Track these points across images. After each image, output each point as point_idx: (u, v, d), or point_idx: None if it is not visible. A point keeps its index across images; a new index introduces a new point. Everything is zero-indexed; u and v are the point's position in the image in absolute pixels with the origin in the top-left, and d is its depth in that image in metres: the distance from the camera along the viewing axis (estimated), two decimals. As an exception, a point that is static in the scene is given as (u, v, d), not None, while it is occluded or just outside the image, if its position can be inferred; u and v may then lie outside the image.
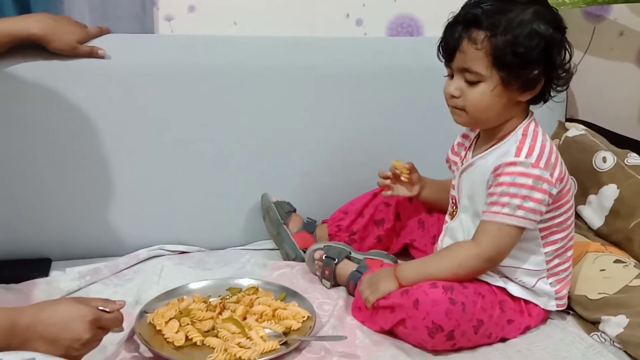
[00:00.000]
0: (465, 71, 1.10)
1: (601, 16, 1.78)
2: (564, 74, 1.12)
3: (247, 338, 1.08)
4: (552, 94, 1.14)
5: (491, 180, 1.12)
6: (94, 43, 1.34)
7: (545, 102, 1.15)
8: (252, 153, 1.46)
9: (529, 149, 1.10)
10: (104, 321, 0.98)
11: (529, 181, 1.08)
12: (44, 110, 1.32)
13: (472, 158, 1.19)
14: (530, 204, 1.08)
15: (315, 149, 1.49)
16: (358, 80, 1.50)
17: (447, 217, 1.26)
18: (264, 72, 1.45)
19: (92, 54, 1.32)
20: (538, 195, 1.09)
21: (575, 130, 1.56)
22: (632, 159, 1.42)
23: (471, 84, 1.10)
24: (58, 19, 1.29)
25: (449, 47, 1.11)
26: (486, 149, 1.17)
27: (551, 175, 1.10)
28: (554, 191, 1.10)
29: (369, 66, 1.52)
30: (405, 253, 1.40)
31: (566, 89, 1.14)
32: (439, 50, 1.13)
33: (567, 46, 1.11)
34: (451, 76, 1.13)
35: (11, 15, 1.33)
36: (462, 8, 1.11)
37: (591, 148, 1.48)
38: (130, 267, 1.36)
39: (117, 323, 1.01)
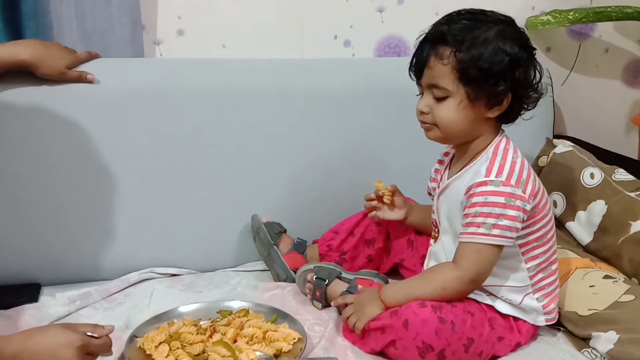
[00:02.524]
0: (433, 87, 1.12)
1: (586, 34, 1.80)
2: (533, 93, 1.14)
3: (238, 361, 1.08)
4: (522, 112, 1.16)
5: (465, 201, 1.13)
6: (83, 68, 1.35)
7: (513, 120, 1.16)
8: (242, 174, 1.46)
9: (498, 167, 1.12)
10: (93, 347, 0.98)
11: (501, 199, 1.09)
12: (31, 136, 1.32)
13: (447, 180, 1.21)
14: (505, 222, 1.09)
15: (305, 170, 1.50)
16: (347, 100, 1.52)
17: (431, 241, 1.27)
18: (252, 94, 1.45)
19: (81, 79, 1.33)
20: (512, 212, 1.09)
21: (562, 147, 1.57)
22: (619, 174, 1.43)
23: (439, 100, 1.12)
24: (47, 45, 1.30)
25: (417, 65, 1.14)
26: (459, 170, 1.19)
27: (523, 191, 1.11)
28: (528, 207, 1.11)
29: (358, 87, 1.53)
30: (395, 272, 1.40)
31: (533, 107, 1.16)
32: (410, 69, 1.16)
33: (535, 66, 1.13)
34: (422, 94, 1.16)
35: (2, 41, 1.33)
36: (431, 26, 1.14)
37: (579, 164, 1.49)
38: (120, 290, 1.35)
39: (105, 348, 1.01)
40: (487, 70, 1.08)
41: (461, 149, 1.19)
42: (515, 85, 1.11)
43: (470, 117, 1.12)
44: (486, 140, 1.16)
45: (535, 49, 1.14)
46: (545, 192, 1.18)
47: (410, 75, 1.16)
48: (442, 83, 1.11)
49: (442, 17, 1.14)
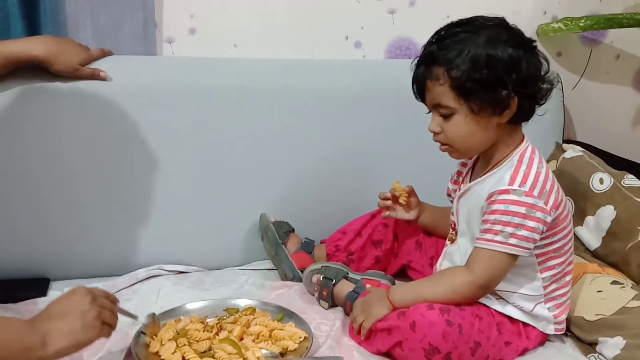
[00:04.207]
0: (438, 107, 1.12)
1: (597, 40, 1.80)
2: (543, 84, 1.12)
3: (244, 359, 1.08)
4: (537, 107, 1.14)
5: (485, 207, 1.13)
6: (96, 65, 1.35)
7: (529, 118, 1.14)
8: (251, 173, 1.47)
9: (523, 176, 1.11)
10: (93, 289, 0.99)
11: (522, 209, 1.09)
12: (43, 130, 1.33)
13: (469, 183, 1.20)
14: (523, 232, 1.09)
15: (313, 170, 1.50)
16: (356, 101, 1.52)
17: (447, 242, 1.27)
18: (263, 94, 1.46)
19: (94, 76, 1.33)
20: (531, 223, 1.09)
21: (572, 152, 1.57)
22: (629, 180, 1.43)
23: (446, 117, 1.12)
24: (60, 41, 1.31)
25: (417, 89, 1.15)
26: (482, 175, 1.18)
27: (545, 203, 1.10)
28: (549, 219, 1.10)
29: (368, 88, 1.53)
30: (402, 274, 1.40)
31: (547, 99, 1.13)
32: (413, 92, 1.16)
33: (537, 58, 1.11)
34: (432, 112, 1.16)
35: (20, 37, 1.35)
36: (423, 47, 1.14)
37: (588, 169, 1.49)
38: (128, 286, 1.36)
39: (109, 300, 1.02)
40: (482, 81, 1.07)
41: (484, 154, 1.18)
42: (519, 85, 1.08)
43: (481, 128, 1.11)
44: (508, 145, 1.15)
45: (535, 41, 1.12)
46: (568, 204, 1.17)
47: (416, 97, 1.16)
48: (444, 102, 1.11)
49: (432, 36, 1.14)
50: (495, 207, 1.10)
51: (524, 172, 1.11)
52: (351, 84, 1.53)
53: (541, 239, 1.12)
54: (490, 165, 1.17)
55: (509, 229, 1.09)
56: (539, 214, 1.09)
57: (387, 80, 1.56)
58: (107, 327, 0.98)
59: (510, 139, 1.15)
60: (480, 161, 1.21)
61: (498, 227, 1.09)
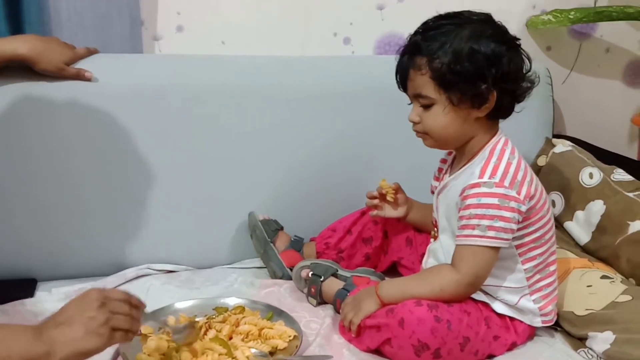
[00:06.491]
0: (418, 97, 1.13)
1: (587, 34, 1.80)
2: (524, 83, 1.12)
3: (233, 358, 1.08)
4: (516, 104, 1.14)
5: (459, 203, 1.13)
6: (82, 63, 1.34)
7: (508, 115, 1.15)
8: (240, 171, 1.46)
9: (493, 168, 1.11)
10: (108, 292, 0.93)
11: (495, 201, 1.09)
12: (30, 130, 1.32)
13: (447, 179, 1.21)
14: (500, 224, 1.09)
15: (303, 167, 1.49)
16: (346, 98, 1.51)
17: (431, 239, 1.27)
18: (251, 92, 1.45)
19: (79, 76, 1.32)
20: (506, 214, 1.09)
21: (562, 147, 1.57)
22: (618, 174, 1.43)
23: (426, 107, 1.13)
24: (46, 40, 1.30)
25: (400, 78, 1.16)
26: (458, 170, 1.19)
27: (518, 192, 1.10)
28: (523, 208, 1.11)
29: (357, 84, 1.53)
30: (393, 271, 1.40)
31: (527, 97, 1.14)
32: (396, 81, 1.16)
33: (520, 56, 1.12)
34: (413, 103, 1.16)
35: (3, 36, 1.33)
36: (408, 37, 1.15)
37: (578, 164, 1.49)
38: (117, 286, 1.35)
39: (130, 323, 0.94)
40: (462, 73, 1.08)
41: (460, 149, 1.19)
42: (499, 80, 1.09)
43: (459, 120, 1.12)
44: (483, 139, 1.16)
45: (518, 40, 1.13)
46: (544, 194, 1.17)
47: (399, 87, 1.17)
48: (424, 92, 1.11)
49: (419, 26, 1.14)
50: (469, 201, 1.10)
51: (494, 164, 1.12)
52: (340, 81, 1.52)
53: (518, 229, 1.12)
54: (465, 160, 1.18)
55: (485, 222, 1.09)
56: (512, 204, 1.09)
57: (376, 76, 1.54)
58: (122, 333, 0.91)
59: (487, 134, 1.16)
60: (457, 157, 1.22)
61: (474, 222, 1.09)
